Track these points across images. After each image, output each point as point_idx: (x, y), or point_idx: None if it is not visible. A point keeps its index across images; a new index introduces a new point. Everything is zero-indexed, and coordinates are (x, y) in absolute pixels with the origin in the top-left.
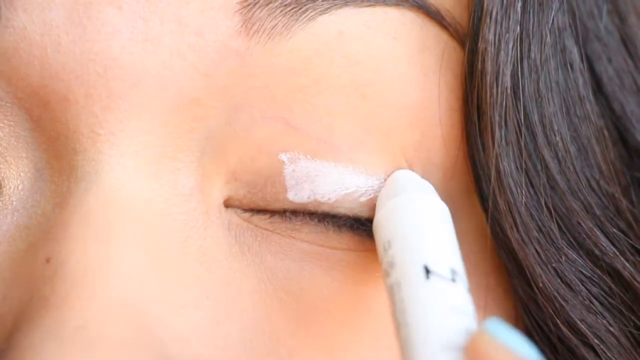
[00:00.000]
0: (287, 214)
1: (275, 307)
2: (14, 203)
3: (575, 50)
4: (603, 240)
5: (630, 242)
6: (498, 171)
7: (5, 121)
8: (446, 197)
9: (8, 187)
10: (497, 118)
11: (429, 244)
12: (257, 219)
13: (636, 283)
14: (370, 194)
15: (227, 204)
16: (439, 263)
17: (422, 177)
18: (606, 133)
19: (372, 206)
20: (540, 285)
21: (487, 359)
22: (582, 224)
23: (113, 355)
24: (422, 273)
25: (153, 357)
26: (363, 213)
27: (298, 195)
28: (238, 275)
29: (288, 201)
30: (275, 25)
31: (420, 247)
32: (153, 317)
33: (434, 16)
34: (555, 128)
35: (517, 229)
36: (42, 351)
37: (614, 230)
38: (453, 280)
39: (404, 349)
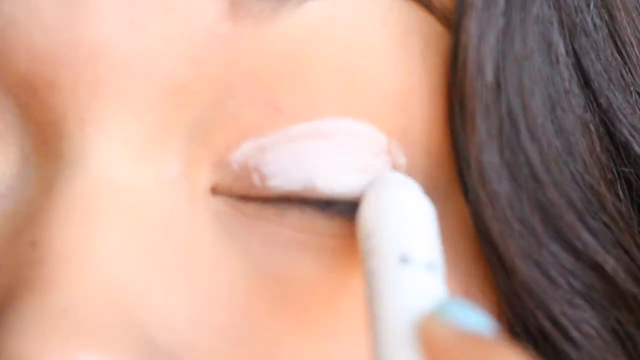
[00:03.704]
0: (273, 200)
1: (262, 293)
2: (1, 189)
3: (561, 44)
4: (585, 234)
5: (614, 236)
6: (479, 162)
7: None
8: (432, 184)
9: None
10: (479, 110)
11: (408, 235)
12: (245, 205)
13: (618, 277)
14: None
15: (215, 191)
16: (416, 253)
17: (408, 162)
18: (592, 127)
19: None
20: (520, 277)
21: (436, 339)
22: (565, 217)
23: (96, 338)
24: (398, 261)
25: (136, 341)
26: (350, 199)
27: (283, 181)
28: (224, 262)
29: (272, 187)
30: (263, 9)
31: (398, 237)
32: (137, 301)
33: (422, 1)
34: (539, 121)
35: (498, 221)
36: (25, 333)
37: (597, 224)
38: (428, 269)
39: (372, 334)
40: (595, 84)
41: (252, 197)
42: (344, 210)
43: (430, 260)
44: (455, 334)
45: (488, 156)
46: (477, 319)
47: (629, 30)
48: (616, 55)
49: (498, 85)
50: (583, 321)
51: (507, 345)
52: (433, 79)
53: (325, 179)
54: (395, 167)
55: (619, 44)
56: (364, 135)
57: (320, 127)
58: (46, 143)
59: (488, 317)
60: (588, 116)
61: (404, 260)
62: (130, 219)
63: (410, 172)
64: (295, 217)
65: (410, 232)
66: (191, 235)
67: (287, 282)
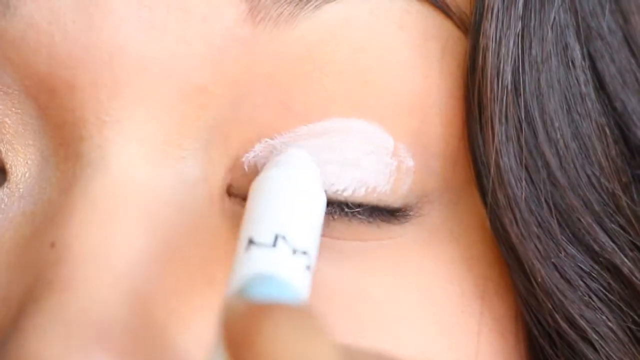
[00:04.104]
0: None
1: None
2: (21, 190)
3: (577, 48)
4: (602, 236)
5: (630, 238)
6: (498, 166)
7: (13, 109)
8: (446, 186)
9: (15, 174)
10: (497, 113)
11: (277, 215)
12: None
13: (635, 279)
14: None
15: (230, 192)
16: (262, 234)
17: (422, 164)
18: (607, 131)
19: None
20: (539, 280)
21: (231, 315)
22: (582, 219)
23: (115, 338)
24: (245, 244)
25: (155, 341)
26: (365, 201)
27: None
28: None
29: None
30: (281, 13)
31: (250, 219)
32: (156, 302)
33: (439, 5)
34: (556, 125)
35: (517, 224)
36: (45, 333)
37: (614, 226)
38: (294, 254)
39: None
40: (610, 87)
41: None
42: (361, 213)
43: (296, 245)
44: (248, 308)
45: (506, 159)
46: (279, 294)
47: None
48: (631, 58)
49: (516, 88)
50: (600, 323)
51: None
52: (449, 83)
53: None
54: (401, 169)
55: (634, 47)
56: (368, 134)
57: (328, 127)
58: (65, 145)
59: (295, 292)
60: (604, 120)
61: (250, 242)
62: (149, 220)
63: (421, 175)
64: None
65: (280, 212)
66: (209, 237)
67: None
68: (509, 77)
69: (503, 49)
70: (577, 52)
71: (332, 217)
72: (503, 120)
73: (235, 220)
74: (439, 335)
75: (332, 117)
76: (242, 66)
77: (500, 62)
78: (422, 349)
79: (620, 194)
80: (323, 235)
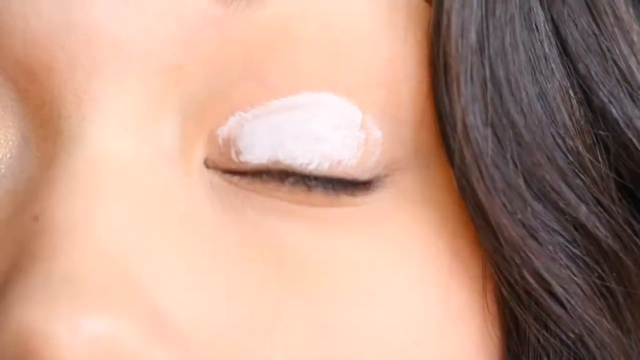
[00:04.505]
0: (264, 175)
1: (260, 261)
2: (2, 171)
3: (540, 12)
4: (567, 193)
5: (594, 195)
6: (464, 125)
7: None
8: (416, 152)
9: None
10: (462, 73)
11: None
12: (236, 178)
13: (599, 234)
14: None
15: (207, 165)
16: None
17: (390, 134)
18: (571, 93)
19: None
20: (506, 235)
21: None
22: (547, 176)
23: (101, 302)
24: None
25: (140, 306)
26: (330, 175)
27: (252, 155)
28: (221, 230)
29: (245, 162)
30: None
31: None
32: (139, 268)
33: None
34: (521, 85)
35: (484, 181)
36: (30, 301)
37: (579, 183)
38: None
39: None
40: (573, 50)
41: (239, 171)
42: (330, 184)
43: None
44: None
45: (472, 118)
46: None
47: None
48: (592, 23)
49: (481, 48)
50: (566, 277)
51: None
52: (417, 53)
53: (286, 151)
54: (369, 141)
55: (594, 12)
56: (336, 108)
57: (298, 101)
58: (44, 124)
59: None
60: (567, 82)
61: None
62: (129, 190)
63: (390, 144)
64: (287, 190)
65: None
66: (188, 206)
67: (284, 250)
68: (473, 37)
69: (467, 10)
70: (540, 16)
71: (299, 188)
72: (468, 79)
73: (213, 189)
74: (415, 295)
75: (303, 91)
76: (216, 45)
77: (464, 22)
78: (400, 308)
79: (585, 153)
80: (304, 203)
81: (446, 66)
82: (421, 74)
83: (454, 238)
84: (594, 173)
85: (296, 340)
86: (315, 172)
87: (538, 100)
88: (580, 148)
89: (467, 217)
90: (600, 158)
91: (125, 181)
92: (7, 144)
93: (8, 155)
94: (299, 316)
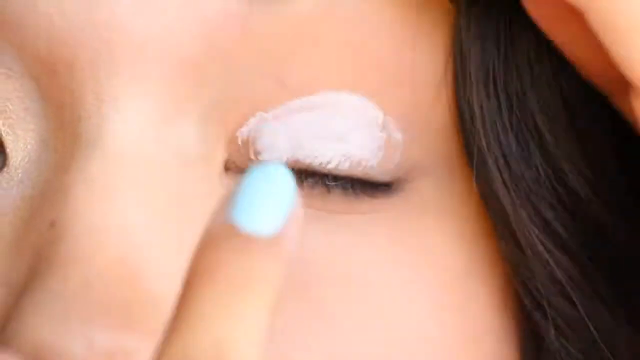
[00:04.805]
0: None
1: None
2: (20, 175)
3: None
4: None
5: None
6: (486, 130)
7: (15, 92)
8: (438, 160)
9: (15, 159)
10: (483, 78)
11: None
12: None
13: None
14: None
15: (227, 167)
16: None
17: (411, 137)
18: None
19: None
20: (532, 245)
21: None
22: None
23: (114, 314)
24: None
25: (155, 317)
26: (350, 174)
27: (271, 154)
28: None
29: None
30: None
31: None
32: (154, 279)
33: None
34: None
35: (508, 190)
36: (45, 310)
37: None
38: None
39: None
40: None
41: None
42: (353, 186)
43: None
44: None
45: (495, 123)
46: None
47: None
48: None
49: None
50: (586, 286)
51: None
52: (439, 55)
53: (305, 151)
54: (390, 142)
55: None
56: (357, 108)
57: (318, 101)
58: (64, 127)
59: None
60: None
61: None
62: (148, 195)
63: (411, 148)
64: (305, 192)
65: None
66: (207, 213)
67: (300, 258)
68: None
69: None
70: None
71: (318, 189)
72: (490, 84)
73: None
74: (431, 317)
75: (324, 91)
76: (237, 43)
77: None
78: (414, 330)
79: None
80: (315, 207)
81: (465, 70)
82: (443, 78)
83: (474, 253)
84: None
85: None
86: (335, 172)
87: (564, 107)
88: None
89: (489, 231)
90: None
91: (144, 186)
92: (26, 147)
93: (26, 160)
94: (312, 334)
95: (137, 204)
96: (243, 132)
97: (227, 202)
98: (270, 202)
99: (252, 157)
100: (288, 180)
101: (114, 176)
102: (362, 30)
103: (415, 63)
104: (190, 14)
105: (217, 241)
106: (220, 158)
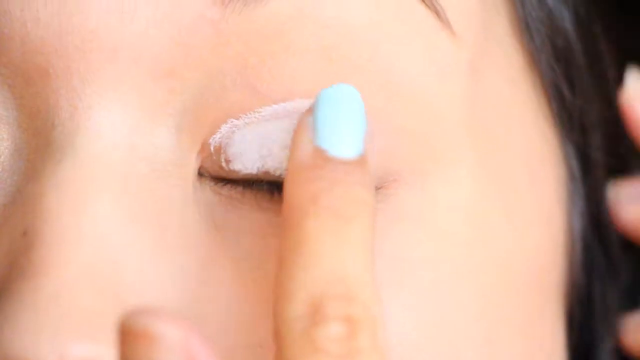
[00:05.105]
0: (253, 184)
1: (250, 287)
2: None
3: None
4: None
5: None
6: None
7: None
8: (413, 167)
9: None
10: None
11: None
12: (227, 189)
13: None
14: None
15: (200, 174)
16: None
17: (385, 144)
18: None
19: None
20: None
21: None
22: None
23: (86, 328)
24: None
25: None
26: None
27: (241, 164)
28: (215, 249)
29: (234, 171)
30: None
31: None
32: (128, 288)
33: None
34: None
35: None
36: (17, 321)
37: None
38: None
39: None
40: None
41: (230, 180)
42: None
43: None
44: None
45: None
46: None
47: None
48: None
49: None
50: None
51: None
52: (417, 60)
53: (274, 161)
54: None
55: None
56: None
57: (290, 109)
58: (38, 135)
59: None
60: None
61: None
62: (121, 203)
63: (385, 155)
64: (277, 201)
65: None
66: (181, 221)
67: (272, 273)
68: None
69: None
70: None
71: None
72: None
73: (205, 208)
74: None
75: (296, 98)
76: (211, 48)
77: None
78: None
79: None
80: None
81: None
82: (422, 83)
83: (453, 261)
84: None
85: None
86: None
87: None
88: None
89: (466, 239)
90: None
91: (117, 194)
92: (0, 157)
93: (0, 169)
94: None
95: (110, 211)
96: (215, 139)
97: (307, 130)
98: (351, 125)
99: (224, 165)
100: (360, 100)
101: (86, 184)
102: (334, 34)
103: (390, 68)
104: (164, 19)
105: (309, 171)
106: (194, 165)
